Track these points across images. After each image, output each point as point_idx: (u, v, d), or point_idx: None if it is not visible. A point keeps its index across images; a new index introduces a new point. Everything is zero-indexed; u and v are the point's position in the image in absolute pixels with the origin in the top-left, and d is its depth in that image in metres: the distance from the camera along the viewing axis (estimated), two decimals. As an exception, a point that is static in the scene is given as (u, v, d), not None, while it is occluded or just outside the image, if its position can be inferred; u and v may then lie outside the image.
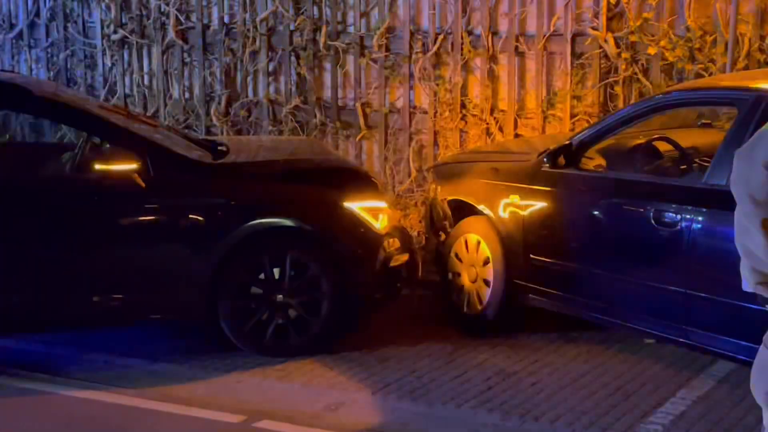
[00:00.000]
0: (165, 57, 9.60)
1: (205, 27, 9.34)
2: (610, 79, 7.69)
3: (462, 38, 8.18)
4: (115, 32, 9.76)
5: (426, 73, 8.37)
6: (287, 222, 6.12)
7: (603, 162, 6.00)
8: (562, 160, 5.97)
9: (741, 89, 5.45)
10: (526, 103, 8.08)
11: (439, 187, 6.96)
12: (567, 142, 6.02)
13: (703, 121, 6.89)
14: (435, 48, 8.28)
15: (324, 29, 8.73)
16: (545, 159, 6.03)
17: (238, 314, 6.04)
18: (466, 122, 8.27)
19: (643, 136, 6.20)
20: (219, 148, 6.64)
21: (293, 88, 9.00)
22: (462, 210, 6.65)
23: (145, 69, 9.76)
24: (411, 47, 8.40)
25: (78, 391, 5.65)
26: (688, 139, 6.24)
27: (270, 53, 9.06)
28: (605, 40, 7.62)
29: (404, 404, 5.41)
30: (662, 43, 7.40)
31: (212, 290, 5.96)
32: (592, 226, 5.86)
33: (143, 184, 5.85)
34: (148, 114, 9.38)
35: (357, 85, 8.72)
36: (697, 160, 5.88)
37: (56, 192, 6.04)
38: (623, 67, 7.59)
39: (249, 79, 9.25)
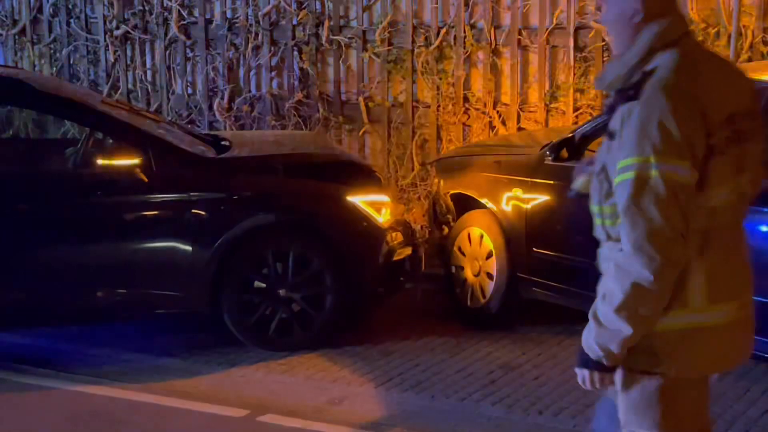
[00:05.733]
0: (168, 52, 9.60)
1: (208, 22, 9.34)
2: (613, 72, 7.68)
3: (465, 32, 8.17)
4: (117, 28, 9.76)
5: (429, 67, 8.36)
6: (290, 216, 6.13)
7: (606, 155, 5.99)
8: (564, 153, 5.96)
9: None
10: (529, 97, 8.07)
11: (442, 181, 6.96)
12: (570, 135, 6.01)
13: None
14: (438, 42, 8.27)
15: (326, 23, 8.73)
16: (548, 152, 6.02)
17: (242, 309, 6.05)
18: (468, 116, 8.26)
19: (646, 129, 6.19)
20: (222, 142, 6.64)
21: (296, 83, 8.99)
22: (465, 204, 6.65)
23: (148, 64, 9.77)
24: (413, 41, 8.40)
25: (82, 385, 5.66)
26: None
27: (272, 48, 9.06)
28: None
29: (408, 397, 5.41)
30: (665, 35, 7.38)
31: (216, 285, 5.97)
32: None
33: (146, 179, 5.86)
34: (151, 109, 9.39)
35: (360, 79, 8.72)
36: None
37: (59, 187, 6.04)
38: (626, 59, 7.57)
39: (252, 73, 9.25)
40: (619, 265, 2.75)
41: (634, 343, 2.78)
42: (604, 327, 2.79)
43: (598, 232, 2.96)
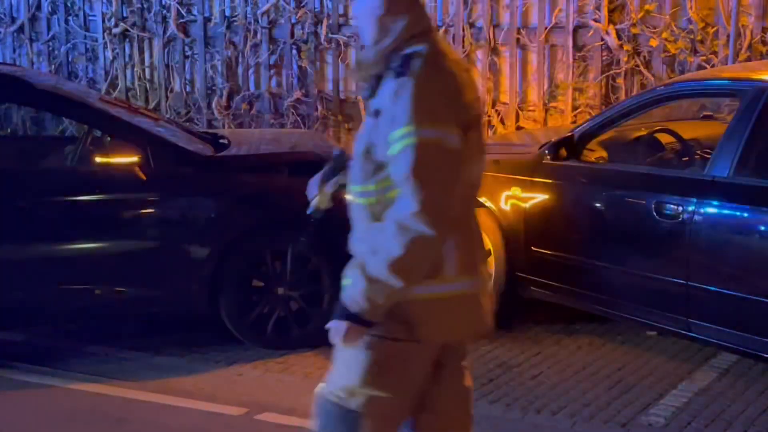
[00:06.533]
0: (166, 50, 9.60)
1: (207, 20, 9.34)
2: (612, 71, 7.69)
3: (463, 31, 8.17)
4: (116, 25, 9.76)
5: (427, 66, 8.36)
6: (288, 214, 6.13)
7: (605, 154, 6.00)
8: (563, 152, 5.96)
9: (742, 80, 5.45)
10: (528, 96, 8.08)
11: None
12: (569, 135, 6.01)
13: (705, 112, 6.88)
14: (436, 40, 8.27)
15: (325, 22, 8.73)
16: (547, 151, 6.02)
17: (240, 307, 6.04)
18: (467, 115, 8.25)
19: (645, 128, 6.20)
20: (220, 141, 6.64)
21: (295, 81, 9.00)
22: (463, 202, 6.63)
23: (147, 62, 9.76)
24: (412, 40, 8.38)
25: (80, 384, 5.65)
26: (690, 130, 6.24)
27: (271, 46, 9.06)
28: (607, 32, 7.61)
29: (406, 396, 5.40)
30: (664, 35, 7.39)
31: (214, 283, 5.96)
32: (593, 218, 5.86)
33: (144, 177, 5.85)
34: (150, 107, 9.38)
35: (358, 77, 8.71)
36: (698, 151, 5.88)
37: (57, 185, 6.04)
38: (625, 59, 7.59)
39: (250, 72, 9.25)
40: (402, 222, 2.86)
41: (399, 298, 2.92)
42: (375, 281, 2.89)
43: (359, 214, 3.10)
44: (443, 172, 2.89)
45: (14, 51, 10.40)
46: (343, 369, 3.18)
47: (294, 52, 8.96)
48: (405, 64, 2.94)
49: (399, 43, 3.01)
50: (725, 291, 5.06)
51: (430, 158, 2.86)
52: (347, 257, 6.38)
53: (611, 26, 7.61)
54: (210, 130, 7.84)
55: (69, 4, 10.01)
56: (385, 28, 3.04)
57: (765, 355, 5.02)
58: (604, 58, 7.71)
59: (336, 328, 3.01)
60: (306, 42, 8.85)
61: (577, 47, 7.79)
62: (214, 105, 9.34)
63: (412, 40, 3.00)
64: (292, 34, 8.94)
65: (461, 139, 2.92)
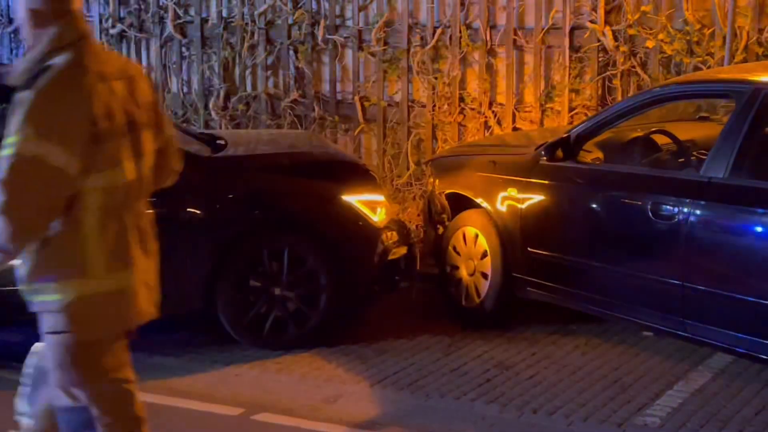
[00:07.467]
0: (163, 51, 9.60)
1: (204, 21, 9.35)
2: (609, 73, 7.70)
3: (460, 32, 8.18)
4: (113, 26, 9.76)
5: (424, 67, 8.38)
6: (285, 215, 6.13)
7: (601, 155, 6.01)
8: (559, 153, 5.97)
9: (738, 81, 5.46)
10: (524, 97, 8.09)
11: (437, 180, 6.97)
12: (565, 135, 6.02)
13: (701, 113, 6.90)
14: (433, 41, 8.28)
15: (322, 23, 8.74)
16: (543, 152, 6.03)
17: (237, 307, 6.04)
18: (464, 116, 8.27)
19: (641, 129, 6.21)
20: (217, 141, 6.64)
21: (292, 82, 9.00)
22: (460, 203, 6.65)
23: (144, 63, 9.77)
24: (409, 41, 8.41)
25: (77, 383, 5.65)
26: (686, 131, 6.26)
27: (268, 47, 9.07)
28: (603, 34, 7.62)
29: (402, 396, 5.42)
30: (660, 36, 7.40)
31: (211, 283, 5.96)
32: (589, 219, 5.87)
33: (141, 178, 5.85)
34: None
35: (355, 78, 8.73)
36: (694, 152, 5.89)
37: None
38: (621, 60, 7.60)
39: (247, 73, 9.25)
40: None
41: None
42: None
43: None
44: (36, 186, 3.06)
45: (11, 51, 10.41)
46: (53, 374, 3.38)
47: (291, 53, 8.97)
48: (35, 78, 3.08)
49: (45, 53, 3.14)
50: (721, 291, 5.07)
51: (24, 171, 3.04)
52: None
53: (607, 27, 7.62)
54: (207, 131, 7.85)
55: (66, 5, 10.00)
56: (37, 38, 3.18)
57: (760, 356, 5.04)
58: (600, 59, 7.72)
59: None
60: (303, 43, 8.86)
61: (573, 48, 7.80)
62: (211, 106, 9.34)
63: (59, 51, 3.14)
64: (289, 35, 8.94)
65: (82, 152, 3.07)
